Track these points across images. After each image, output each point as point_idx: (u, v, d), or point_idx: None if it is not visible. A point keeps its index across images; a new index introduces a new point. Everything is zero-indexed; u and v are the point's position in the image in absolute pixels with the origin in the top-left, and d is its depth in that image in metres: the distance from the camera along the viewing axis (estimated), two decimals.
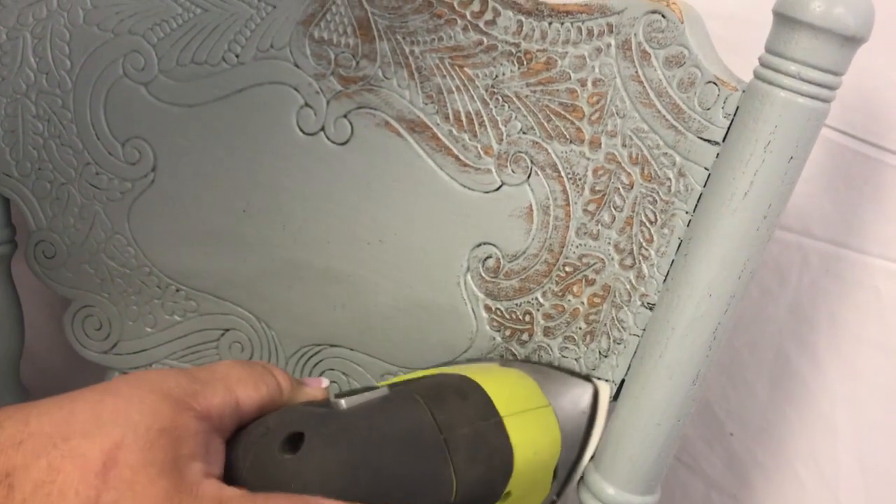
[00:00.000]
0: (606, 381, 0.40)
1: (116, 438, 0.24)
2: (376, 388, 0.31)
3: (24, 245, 0.53)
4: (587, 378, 0.39)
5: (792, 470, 0.51)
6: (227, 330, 0.50)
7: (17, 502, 0.23)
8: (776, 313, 0.49)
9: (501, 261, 0.43)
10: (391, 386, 0.32)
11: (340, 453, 0.28)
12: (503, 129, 0.41)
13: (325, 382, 0.33)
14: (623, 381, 0.39)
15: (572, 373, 0.40)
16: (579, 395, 0.39)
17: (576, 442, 0.38)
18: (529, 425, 0.34)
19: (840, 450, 0.49)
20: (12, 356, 0.56)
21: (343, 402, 0.30)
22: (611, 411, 0.39)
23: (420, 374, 0.38)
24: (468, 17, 0.41)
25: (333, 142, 0.46)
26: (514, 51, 0.40)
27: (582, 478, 0.40)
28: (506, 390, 0.34)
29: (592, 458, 0.40)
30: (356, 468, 0.28)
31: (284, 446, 0.28)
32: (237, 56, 0.47)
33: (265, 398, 0.30)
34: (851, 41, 0.32)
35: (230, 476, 0.28)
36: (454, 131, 0.43)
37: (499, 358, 0.42)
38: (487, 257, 0.43)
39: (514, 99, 0.41)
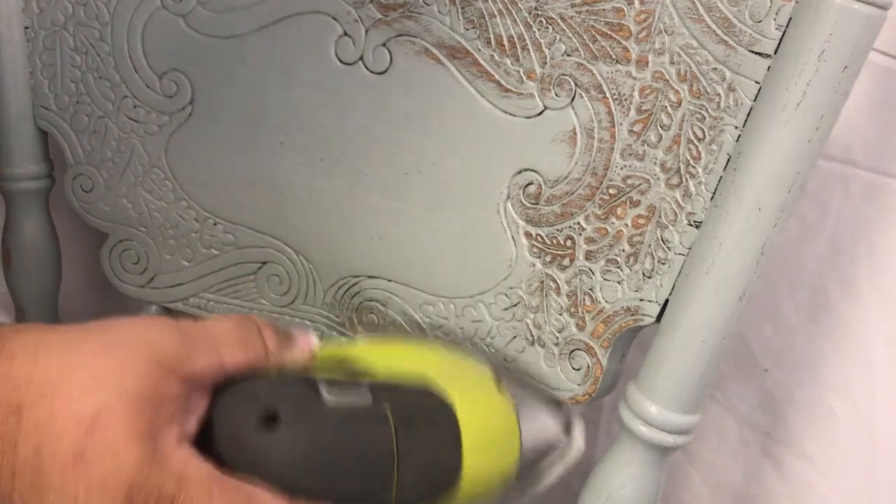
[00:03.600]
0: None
1: (107, 400, 0.28)
2: (360, 385, 0.34)
3: (61, 179, 0.53)
4: (568, 427, 0.40)
5: (827, 406, 0.51)
6: (265, 263, 0.51)
7: (24, 432, 0.28)
8: (815, 246, 0.49)
9: (543, 187, 0.42)
10: (372, 388, 0.34)
11: (305, 446, 0.31)
12: (547, 51, 0.41)
13: (313, 340, 0.35)
14: (667, 301, 0.39)
15: (552, 402, 0.41)
16: (549, 428, 0.39)
17: (536, 461, 0.39)
18: (487, 463, 0.36)
19: (877, 385, 0.49)
20: (50, 290, 0.56)
21: (327, 396, 0.33)
22: (655, 331, 0.39)
23: (411, 354, 0.38)
24: None
25: (372, 71, 0.46)
26: None
27: (623, 397, 0.40)
28: (480, 422, 0.36)
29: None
30: (314, 466, 0.31)
31: (261, 423, 0.31)
32: None
33: (251, 359, 0.33)
34: None
35: (207, 434, 0.31)
36: (496, 56, 0.43)
37: (497, 363, 0.43)
38: (528, 184, 0.43)
39: (559, 20, 0.41)
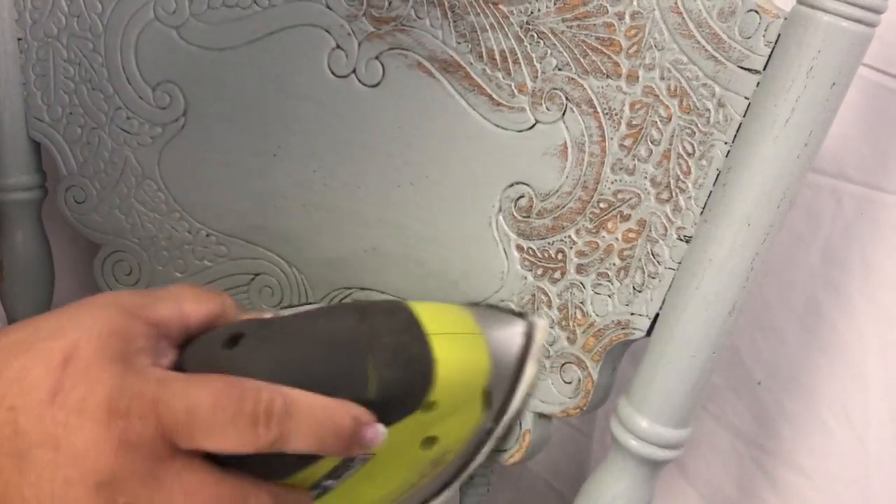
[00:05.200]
0: (544, 319, 0.41)
1: (74, 339, 0.29)
2: (314, 303, 0.35)
3: (54, 190, 0.53)
4: (523, 315, 0.41)
5: (820, 419, 0.51)
6: (257, 274, 0.51)
7: None
8: (808, 259, 0.48)
9: (534, 200, 0.42)
10: (330, 303, 0.35)
11: (273, 350, 0.32)
12: (538, 66, 0.41)
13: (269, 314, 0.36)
14: (657, 315, 0.39)
15: (512, 312, 0.42)
16: (514, 329, 0.40)
17: (509, 371, 0.39)
18: (455, 345, 0.36)
19: (871, 398, 0.49)
20: (43, 301, 0.56)
21: (283, 312, 0.34)
22: (644, 346, 0.39)
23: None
24: None
25: (365, 84, 0.46)
26: None
27: (614, 411, 0.40)
28: (437, 316, 0.36)
29: (528, 396, 0.40)
30: (284, 362, 0.31)
31: (226, 344, 0.32)
32: None
33: (211, 312, 0.33)
34: None
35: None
36: (488, 70, 0.43)
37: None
38: (520, 197, 0.43)
39: (550, 35, 0.41)
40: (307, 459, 0.32)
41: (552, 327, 0.42)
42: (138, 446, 0.28)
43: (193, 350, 0.32)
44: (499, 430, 0.40)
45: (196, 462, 0.29)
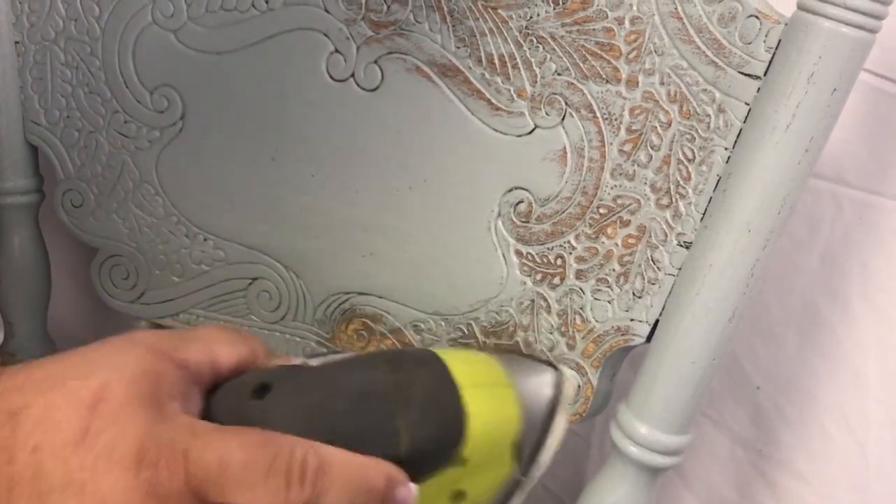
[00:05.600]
0: (571, 371, 0.41)
1: (105, 379, 0.28)
2: (344, 350, 0.35)
3: (51, 194, 0.53)
4: (553, 365, 0.41)
5: (819, 424, 0.51)
6: (255, 279, 0.50)
7: (21, 436, 0.27)
8: (807, 264, 0.48)
9: (533, 205, 0.42)
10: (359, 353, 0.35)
11: (302, 401, 0.31)
12: (537, 70, 0.41)
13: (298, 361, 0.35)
14: (657, 321, 0.39)
15: (538, 360, 0.41)
16: (543, 379, 0.40)
17: (538, 422, 0.38)
18: (486, 398, 0.35)
19: (869, 403, 0.49)
20: (40, 305, 0.56)
21: (312, 361, 0.34)
22: (644, 352, 0.39)
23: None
24: None
25: (363, 88, 0.46)
26: None
27: (614, 418, 0.40)
28: (467, 367, 0.36)
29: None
30: (314, 415, 0.31)
31: (254, 394, 0.31)
32: (267, 2, 0.47)
33: (242, 357, 0.33)
34: None
35: (206, 420, 0.31)
36: (487, 75, 0.42)
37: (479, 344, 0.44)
38: (519, 202, 0.43)
39: (549, 40, 0.41)
40: None
41: (551, 333, 0.42)
42: (166, 497, 0.27)
43: (222, 397, 0.32)
44: (528, 483, 0.40)
45: None
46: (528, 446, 0.38)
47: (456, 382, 0.34)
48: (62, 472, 0.26)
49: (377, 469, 0.30)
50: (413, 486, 0.31)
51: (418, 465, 0.32)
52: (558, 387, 0.40)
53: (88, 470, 0.26)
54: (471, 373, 0.35)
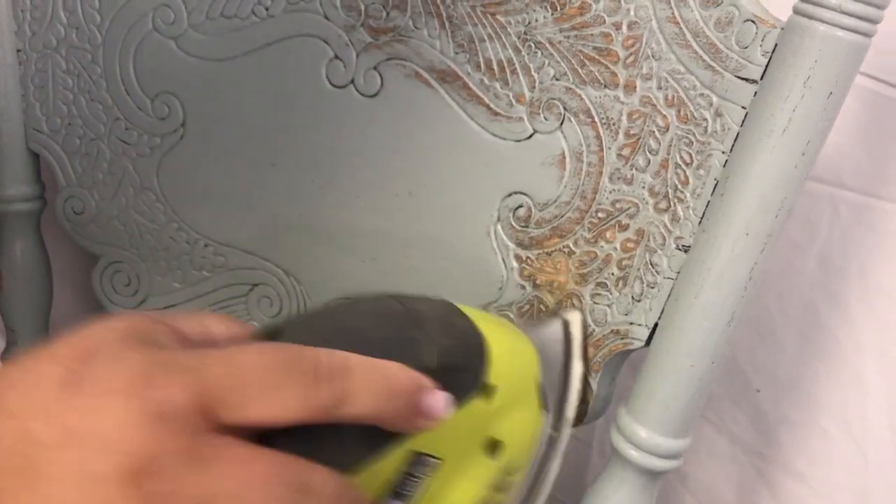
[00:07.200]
0: (579, 310, 0.39)
1: (91, 334, 0.25)
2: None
3: (53, 201, 0.53)
4: (556, 314, 0.40)
5: (819, 426, 0.51)
6: (256, 285, 0.51)
7: (4, 411, 0.23)
8: (805, 266, 0.49)
9: (532, 209, 0.43)
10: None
11: (316, 330, 0.29)
12: (536, 76, 0.41)
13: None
14: (656, 324, 0.39)
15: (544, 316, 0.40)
16: (552, 328, 0.39)
17: (556, 367, 0.37)
18: (500, 331, 0.34)
19: (869, 405, 0.49)
20: (42, 312, 0.56)
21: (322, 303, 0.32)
22: (644, 356, 0.39)
23: None
24: None
25: (363, 94, 0.46)
26: None
27: (614, 421, 0.40)
28: (475, 311, 0.34)
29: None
30: (331, 338, 0.28)
31: (265, 338, 0.29)
32: (267, 9, 0.47)
33: (236, 333, 0.30)
34: None
35: None
36: (485, 80, 0.43)
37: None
38: (518, 206, 0.43)
39: (548, 45, 0.41)
40: (367, 452, 0.28)
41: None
42: (176, 419, 0.23)
43: None
44: (563, 440, 0.37)
45: (243, 440, 0.24)
46: (552, 395, 0.37)
47: (466, 314, 0.32)
48: (51, 428, 0.23)
49: (404, 372, 0.27)
50: (445, 394, 0.28)
51: (447, 383, 0.29)
52: (567, 333, 0.39)
53: (84, 412, 0.23)
54: (480, 315, 0.33)
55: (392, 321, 0.30)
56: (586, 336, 0.40)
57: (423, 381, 0.28)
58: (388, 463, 0.29)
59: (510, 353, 0.33)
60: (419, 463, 0.30)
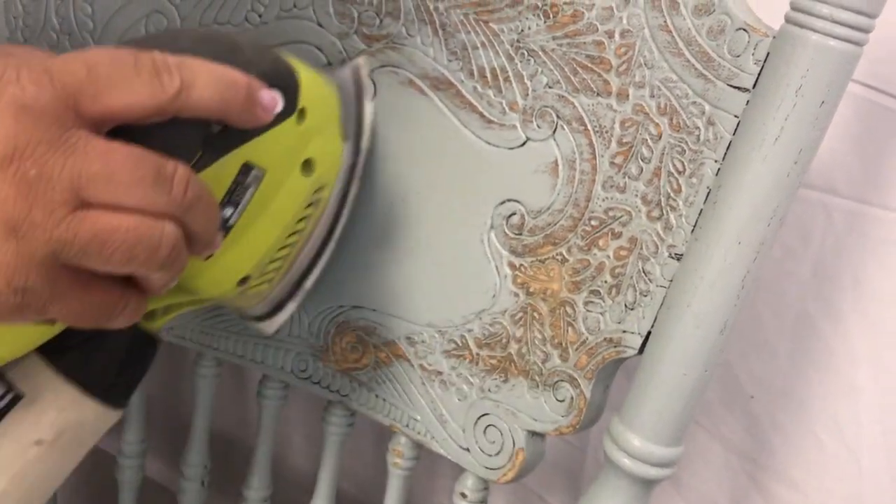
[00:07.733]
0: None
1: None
2: None
3: None
4: (345, 61, 0.45)
5: (813, 433, 0.51)
6: None
7: None
8: (799, 273, 0.49)
9: (526, 217, 0.43)
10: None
11: (149, 47, 0.31)
12: (529, 83, 0.41)
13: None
14: (649, 333, 0.39)
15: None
16: (344, 73, 0.44)
17: (351, 104, 0.43)
18: (306, 66, 0.39)
19: (862, 412, 0.49)
20: None
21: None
22: (636, 364, 0.39)
23: None
24: None
25: None
26: (540, 4, 0.40)
27: (607, 429, 0.40)
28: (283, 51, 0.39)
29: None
30: (167, 46, 0.32)
31: None
32: (260, 16, 0.47)
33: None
34: None
35: None
36: (479, 87, 0.43)
37: None
38: (511, 214, 0.43)
39: (540, 53, 0.41)
40: (206, 156, 0.33)
41: (544, 345, 0.42)
42: (39, 111, 0.26)
43: None
44: (359, 167, 0.44)
45: (103, 135, 0.28)
46: (349, 127, 0.43)
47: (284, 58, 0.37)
48: None
49: (236, 72, 0.31)
50: (276, 92, 0.33)
51: None
52: (357, 76, 0.44)
53: None
54: (287, 53, 0.38)
55: (217, 44, 0.34)
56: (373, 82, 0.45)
57: (255, 81, 0.32)
58: (224, 168, 0.34)
59: (316, 84, 0.39)
60: (247, 173, 0.35)
